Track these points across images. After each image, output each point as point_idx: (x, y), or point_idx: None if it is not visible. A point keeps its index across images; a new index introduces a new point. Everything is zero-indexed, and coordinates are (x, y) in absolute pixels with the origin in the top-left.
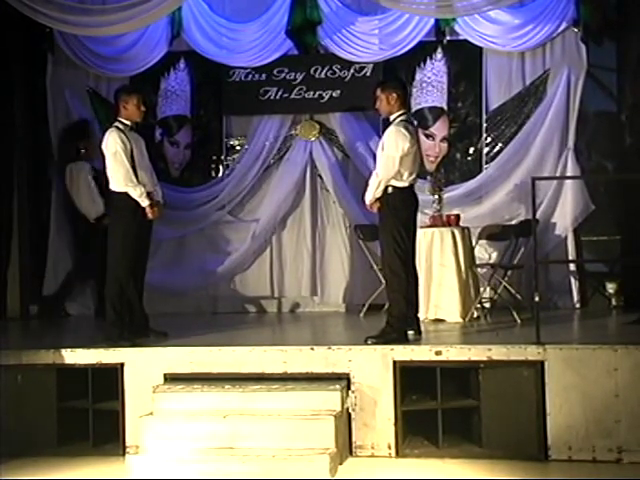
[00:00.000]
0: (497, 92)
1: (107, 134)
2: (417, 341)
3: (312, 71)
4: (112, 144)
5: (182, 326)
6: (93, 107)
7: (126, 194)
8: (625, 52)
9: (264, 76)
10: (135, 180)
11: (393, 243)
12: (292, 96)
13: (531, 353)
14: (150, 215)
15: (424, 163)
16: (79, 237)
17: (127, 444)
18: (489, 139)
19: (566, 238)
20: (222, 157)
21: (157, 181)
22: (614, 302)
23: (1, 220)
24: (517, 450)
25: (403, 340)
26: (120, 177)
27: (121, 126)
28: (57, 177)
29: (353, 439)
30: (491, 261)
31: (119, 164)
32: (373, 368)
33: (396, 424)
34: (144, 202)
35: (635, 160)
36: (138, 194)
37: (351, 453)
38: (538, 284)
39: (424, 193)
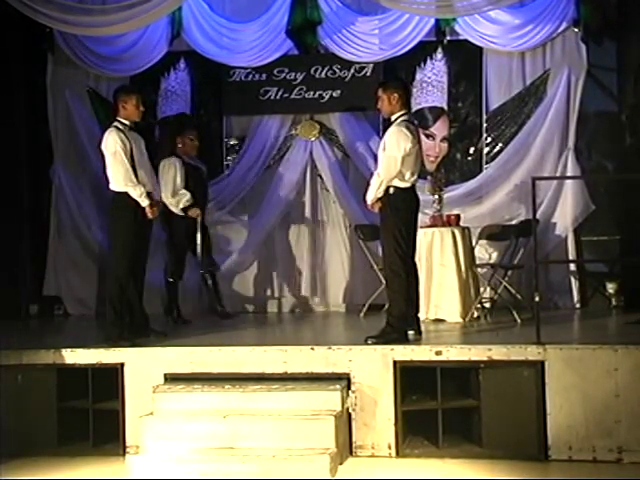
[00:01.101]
0: (497, 92)
1: (106, 134)
2: (417, 341)
3: (312, 71)
4: (112, 144)
5: (182, 326)
6: (93, 107)
7: (126, 194)
8: (625, 52)
9: (264, 76)
10: (135, 180)
11: (394, 243)
12: (292, 96)
13: (531, 353)
14: (150, 215)
15: (424, 163)
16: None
17: (127, 444)
18: (489, 139)
19: (566, 238)
20: (222, 157)
21: (157, 181)
22: (614, 302)
23: (7, 222)
24: (517, 450)
25: (403, 340)
26: (120, 177)
27: (120, 126)
28: (57, 177)
29: (353, 439)
30: (491, 261)
31: (119, 164)
32: (373, 368)
33: (396, 424)
34: (144, 202)
35: (635, 160)
36: (138, 194)
37: (351, 453)
38: (538, 284)
39: (424, 193)
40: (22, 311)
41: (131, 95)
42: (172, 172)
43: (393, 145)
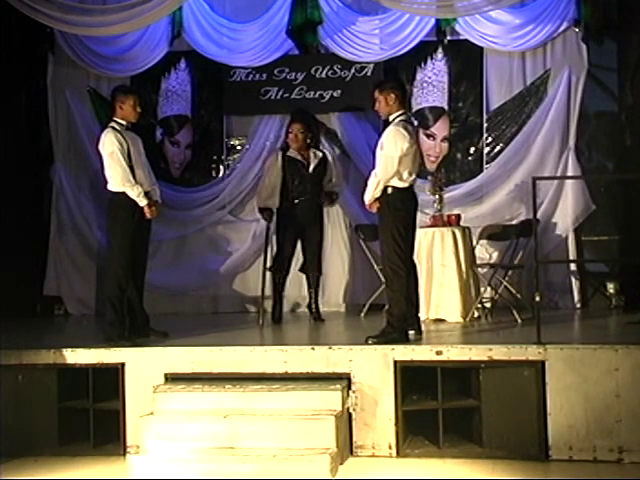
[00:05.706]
0: (498, 92)
1: (103, 134)
2: (418, 341)
3: (313, 71)
4: (109, 144)
5: (182, 326)
6: (94, 107)
7: (124, 194)
8: (625, 52)
9: (265, 76)
10: (133, 180)
11: (393, 243)
12: (293, 96)
13: (532, 353)
14: (148, 215)
15: (425, 163)
16: None
17: (127, 444)
18: (490, 139)
19: (567, 238)
20: (223, 157)
21: (155, 180)
22: (614, 302)
23: (7, 221)
24: (518, 450)
25: (404, 340)
26: (118, 177)
27: (117, 126)
28: (57, 177)
29: (354, 439)
30: (492, 261)
31: (116, 164)
32: (374, 368)
33: (397, 424)
34: (142, 202)
35: (635, 160)
36: (136, 194)
37: (352, 453)
38: (539, 284)
39: (424, 193)
40: (22, 311)
41: (128, 95)
42: (271, 171)
43: (390, 145)
